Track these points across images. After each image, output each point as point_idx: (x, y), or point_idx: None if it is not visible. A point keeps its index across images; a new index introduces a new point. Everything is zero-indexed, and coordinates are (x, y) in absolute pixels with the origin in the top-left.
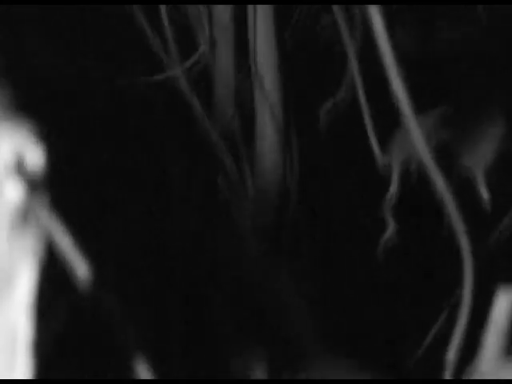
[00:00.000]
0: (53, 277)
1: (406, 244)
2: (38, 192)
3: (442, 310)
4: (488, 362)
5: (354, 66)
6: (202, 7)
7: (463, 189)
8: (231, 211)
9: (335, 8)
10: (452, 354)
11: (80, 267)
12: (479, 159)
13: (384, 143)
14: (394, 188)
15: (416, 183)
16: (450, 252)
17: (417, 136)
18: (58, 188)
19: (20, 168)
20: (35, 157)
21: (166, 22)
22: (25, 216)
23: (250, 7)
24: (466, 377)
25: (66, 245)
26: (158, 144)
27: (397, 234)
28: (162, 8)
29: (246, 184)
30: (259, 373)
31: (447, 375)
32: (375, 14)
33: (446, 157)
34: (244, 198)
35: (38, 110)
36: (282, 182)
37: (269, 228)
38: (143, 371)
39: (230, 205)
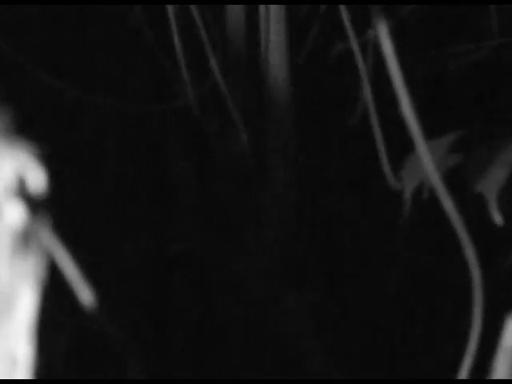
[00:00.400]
0: (55, 298)
1: (416, 268)
2: (40, 214)
3: (449, 333)
4: None
5: (367, 90)
6: (216, 33)
7: (475, 215)
8: (241, 227)
9: (348, 33)
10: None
11: (82, 288)
12: (491, 185)
13: (396, 165)
14: (406, 213)
15: (428, 211)
16: (460, 278)
17: (428, 162)
18: (60, 209)
19: (21, 190)
20: (37, 178)
21: (178, 46)
22: (26, 238)
23: (264, 33)
24: None
25: (68, 266)
26: (166, 166)
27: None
28: (174, 29)
29: (259, 202)
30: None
31: None
32: (385, 40)
33: (458, 183)
34: (255, 215)
35: (41, 132)
36: (292, 201)
37: (277, 242)
38: None
39: (240, 220)
